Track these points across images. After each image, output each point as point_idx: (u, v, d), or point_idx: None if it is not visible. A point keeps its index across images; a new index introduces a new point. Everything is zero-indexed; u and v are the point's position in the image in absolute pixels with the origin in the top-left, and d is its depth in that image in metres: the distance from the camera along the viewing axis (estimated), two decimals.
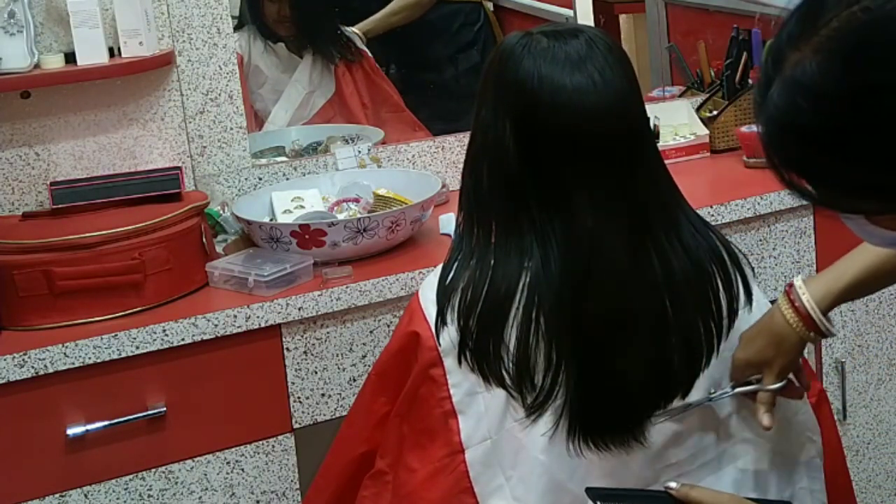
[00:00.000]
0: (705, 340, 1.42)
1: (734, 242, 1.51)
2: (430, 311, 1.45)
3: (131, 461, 1.85)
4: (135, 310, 1.88)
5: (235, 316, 1.87)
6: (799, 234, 2.29)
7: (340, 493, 1.58)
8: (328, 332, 1.95)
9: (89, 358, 1.79)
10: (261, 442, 1.93)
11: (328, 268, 1.96)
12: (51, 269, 1.84)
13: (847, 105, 0.87)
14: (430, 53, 2.96)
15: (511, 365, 1.39)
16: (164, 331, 1.83)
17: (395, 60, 2.85)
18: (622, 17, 3.06)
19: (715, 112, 2.61)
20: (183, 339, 1.84)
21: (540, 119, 1.36)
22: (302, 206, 2.16)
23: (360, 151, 2.39)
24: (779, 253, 2.28)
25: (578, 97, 1.35)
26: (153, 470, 1.87)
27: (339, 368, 1.96)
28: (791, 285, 1.41)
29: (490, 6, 2.99)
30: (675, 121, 2.63)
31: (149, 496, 1.86)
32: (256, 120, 2.62)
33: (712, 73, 2.77)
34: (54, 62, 2.06)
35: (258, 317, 1.88)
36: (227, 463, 1.91)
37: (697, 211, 1.48)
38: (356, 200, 2.19)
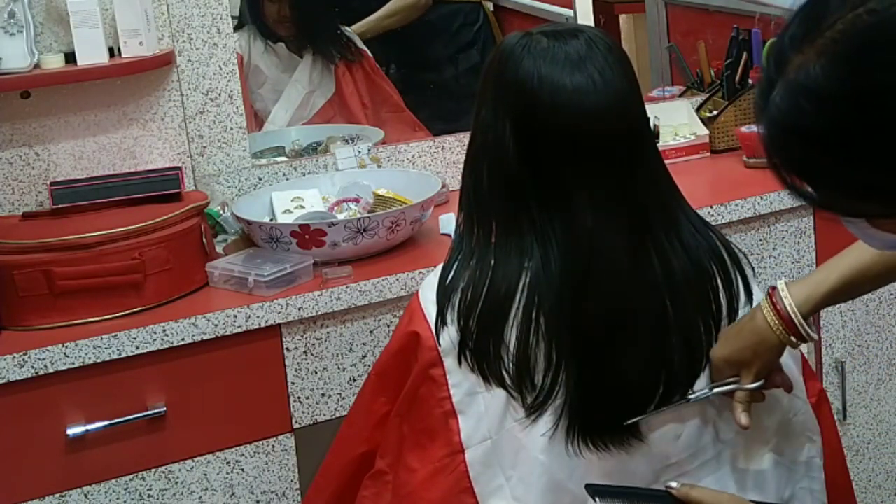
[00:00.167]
0: (705, 340, 1.42)
1: (734, 242, 1.51)
2: (430, 311, 1.45)
3: (131, 461, 1.85)
4: (135, 310, 1.88)
5: (235, 316, 1.87)
6: (799, 234, 2.29)
7: (340, 493, 1.58)
8: (328, 332, 1.95)
9: (89, 358, 1.79)
10: (261, 442, 1.93)
11: (328, 268, 1.96)
12: (51, 269, 1.84)
13: (852, 108, 0.87)
14: (430, 53, 2.96)
15: (511, 365, 1.39)
16: (164, 331, 1.83)
17: (394, 60, 2.85)
18: (622, 17, 3.06)
19: (715, 112, 2.61)
20: (183, 339, 1.84)
21: (540, 119, 1.36)
22: (302, 206, 2.16)
23: (360, 151, 2.39)
24: (779, 253, 2.28)
25: (578, 97, 1.35)
26: (153, 470, 1.87)
27: (339, 368, 1.96)
28: (774, 288, 1.40)
29: (490, 6, 2.99)
30: (675, 121, 2.63)
31: (149, 496, 1.86)
32: (256, 120, 2.62)
33: (712, 73, 2.77)
34: (54, 62, 2.06)
35: (258, 317, 1.88)
36: (227, 463, 1.91)
37: (697, 211, 1.48)
38: (356, 200, 2.19)
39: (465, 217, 1.44)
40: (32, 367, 1.76)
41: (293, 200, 2.18)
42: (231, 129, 2.29)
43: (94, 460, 1.83)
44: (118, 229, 1.88)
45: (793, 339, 1.38)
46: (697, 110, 2.66)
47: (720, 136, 2.59)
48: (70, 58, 2.08)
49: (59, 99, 2.13)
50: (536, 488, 1.41)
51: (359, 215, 2.09)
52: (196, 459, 1.89)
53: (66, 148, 2.15)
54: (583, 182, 1.36)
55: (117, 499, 1.85)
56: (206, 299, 1.93)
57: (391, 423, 1.51)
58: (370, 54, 2.72)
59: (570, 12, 2.67)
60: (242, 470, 1.92)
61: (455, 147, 2.47)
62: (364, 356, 1.97)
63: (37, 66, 2.05)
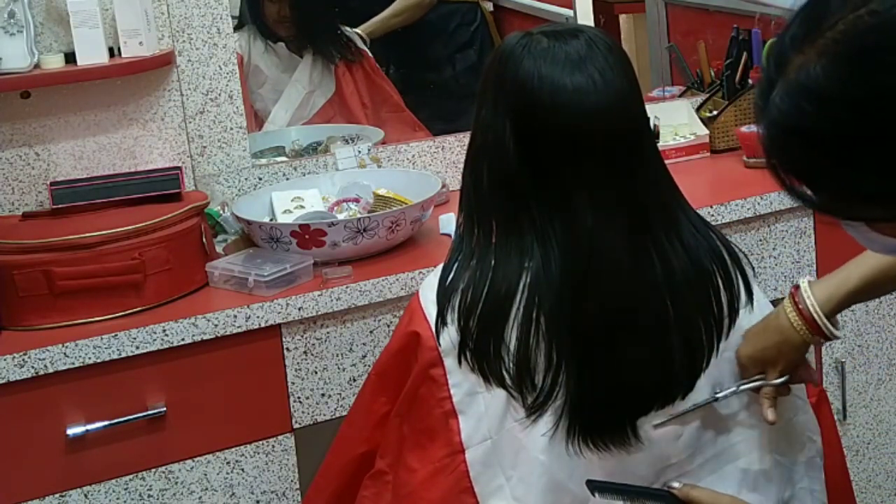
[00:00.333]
0: (706, 340, 1.42)
1: (734, 242, 1.51)
2: (431, 311, 1.45)
3: (131, 461, 1.85)
4: (135, 310, 1.88)
5: (235, 316, 1.87)
6: (799, 234, 2.29)
7: (340, 493, 1.58)
8: (328, 332, 1.95)
9: (89, 358, 1.79)
10: (261, 442, 1.93)
11: (328, 268, 1.96)
12: (51, 269, 1.84)
13: (852, 110, 0.86)
14: (428, 53, 2.96)
15: (511, 365, 1.39)
16: (164, 331, 1.83)
17: (393, 60, 2.85)
18: (622, 17, 3.06)
19: (715, 112, 2.61)
20: (183, 339, 1.84)
21: (540, 119, 1.36)
22: (302, 206, 2.16)
23: (360, 151, 2.39)
24: (779, 253, 2.28)
25: (578, 97, 1.35)
26: (153, 470, 1.87)
27: (339, 368, 1.96)
28: (797, 287, 1.42)
29: (488, 6, 2.99)
30: (675, 121, 2.63)
31: (149, 496, 1.86)
32: (256, 120, 2.62)
33: (712, 73, 2.77)
34: (54, 62, 2.06)
35: (258, 317, 1.88)
36: (227, 463, 1.91)
37: (697, 211, 1.48)
38: (356, 200, 2.19)
39: (465, 217, 1.44)
40: (32, 367, 1.76)
41: (293, 200, 2.18)
42: (231, 129, 2.29)
43: (94, 460, 1.83)
44: (118, 229, 1.88)
45: (816, 338, 1.41)
46: (697, 110, 2.66)
47: (720, 136, 2.59)
48: (70, 58, 2.08)
49: (59, 99, 2.13)
50: (537, 488, 1.41)
51: (359, 215, 2.09)
52: (196, 459, 1.89)
53: (66, 148, 2.15)
54: (583, 182, 1.36)
55: (117, 499, 1.85)
56: (206, 299, 1.93)
57: (391, 423, 1.51)
58: (370, 54, 2.72)
59: (570, 12, 2.67)
60: (242, 470, 1.92)
61: (455, 147, 2.47)
62: (364, 356, 1.97)
63: (37, 66, 2.05)
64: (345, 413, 1.81)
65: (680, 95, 2.81)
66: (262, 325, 1.89)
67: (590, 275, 1.36)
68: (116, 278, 1.87)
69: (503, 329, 1.38)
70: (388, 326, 1.96)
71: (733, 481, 1.47)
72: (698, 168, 2.52)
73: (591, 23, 2.63)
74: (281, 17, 2.67)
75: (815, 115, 0.88)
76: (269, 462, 1.94)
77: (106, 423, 1.82)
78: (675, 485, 1.36)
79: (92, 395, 1.81)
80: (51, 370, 1.77)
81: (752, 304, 1.47)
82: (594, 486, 1.36)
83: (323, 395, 1.96)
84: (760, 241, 2.26)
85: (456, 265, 1.44)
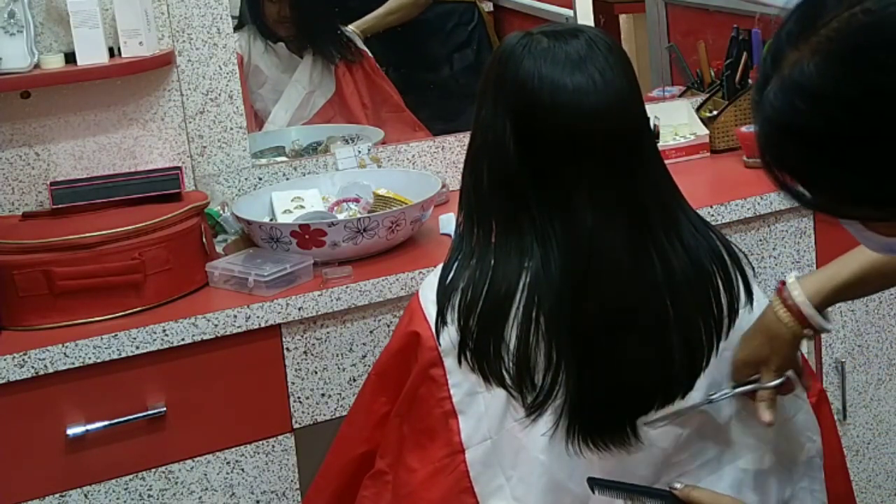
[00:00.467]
0: (706, 340, 1.42)
1: (734, 242, 1.51)
2: (431, 310, 1.45)
3: (131, 461, 1.85)
4: (135, 310, 1.88)
5: (235, 316, 1.87)
6: (799, 234, 2.29)
7: (340, 493, 1.58)
8: (328, 332, 1.95)
9: (89, 358, 1.79)
10: (261, 442, 1.93)
11: (328, 268, 1.96)
12: (51, 269, 1.84)
13: (845, 109, 0.86)
14: (425, 53, 2.96)
15: (511, 365, 1.39)
16: (164, 331, 1.83)
17: (391, 60, 2.85)
18: (622, 17, 3.06)
19: (715, 112, 2.61)
20: (183, 339, 1.84)
21: (540, 119, 1.36)
22: (302, 206, 2.16)
23: (360, 151, 2.39)
24: (779, 253, 2.28)
25: (579, 97, 1.35)
26: (153, 470, 1.87)
27: (339, 368, 1.96)
28: (784, 283, 1.42)
29: (487, 6, 2.99)
30: (675, 121, 2.63)
31: (149, 496, 1.86)
32: (256, 120, 2.62)
33: (712, 73, 2.77)
34: (54, 62, 2.06)
35: (258, 317, 1.88)
36: (227, 463, 1.91)
37: (697, 211, 1.48)
38: (356, 200, 2.19)
39: (465, 217, 1.44)
40: (32, 367, 1.76)
41: (293, 200, 2.18)
42: (231, 129, 2.29)
43: (94, 460, 1.83)
44: (118, 229, 1.88)
45: (805, 330, 1.40)
46: (697, 110, 2.66)
47: (720, 136, 2.60)
48: (70, 58, 2.08)
49: (59, 99, 2.13)
50: (537, 488, 1.41)
51: (359, 215, 2.09)
52: (196, 459, 1.89)
53: (66, 148, 2.15)
54: (583, 182, 1.36)
55: (117, 499, 1.85)
56: (206, 299, 1.93)
57: (391, 423, 1.51)
58: (370, 54, 2.72)
59: (570, 12, 2.67)
60: (242, 470, 1.92)
61: (455, 147, 2.47)
62: (364, 356, 1.97)
63: (37, 66, 2.05)
64: (345, 413, 1.81)
65: (680, 95, 2.81)
66: (262, 325, 1.89)
67: (590, 274, 1.36)
68: (116, 278, 1.87)
69: (503, 328, 1.38)
70: (388, 326, 1.96)
71: (733, 481, 1.47)
72: (698, 168, 2.52)
73: (591, 23, 2.63)
74: (281, 18, 2.67)
75: (807, 113, 0.88)
76: (269, 462, 1.94)
77: (106, 423, 1.82)
78: (677, 485, 1.36)
79: (92, 395, 1.81)
80: (51, 370, 1.77)
81: (751, 304, 1.47)
82: (595, 483, 1.36)
83: (323, 395, 1.96)
84: (760, 241, 2.26)
85: (456, 265, 1.44)
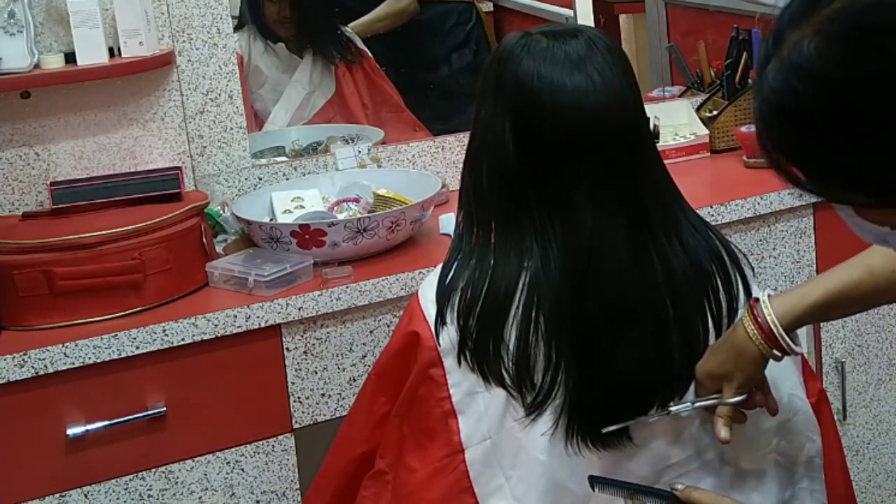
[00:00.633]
0: (705, 340, 1.42)
1: (734, 242, 1.51)
2: (430, 310, 1.45)
3: (131, 461, 1.85)
4: (135, 310, 1.88)
5: (235, 316, 1.87)
6: (799, 234, 2.29)
7: (340, 493, 1.58)
8: (328, 332, 1.95)
9: (89, 358, 1.79)
10: (261, 442, 1.93)
11: (328, 268, 1.96)
12: (51, 269, 1.84)
13: (843, 91, 0.85)
14: (424, 53, 2.97)
15: (511, 364, 1.39)
16: (164, 331, 1.83)
17: (390, 60, 2.85)
18: (622, 17, 3.06)
19: (715, 112, 2.61)
20: (183, 339, 1.84)
21: (539, 119, 1.36)
22: (302, 206, 2.16)
23: (360, 151, 2.39)
24: (779, 253, 2.28)
25: (578, 97, 1.35)
26: (153, 470, 1.87)
27: (339, 368, 1.96)
28: (756, 300, 1.37)
29: (486, 6, 2.99)
30: (675, 121, 2.63)
31: (149, 496, 1.86)
32: (256, 120, 2.62)
33: (712, 73, 2.77)
34: (54, 62, 2.06)
35: (258, 317, 1.88)
36: (227, 463, 1.91)
37: (697, 211, 1.48)
38: (356, 200, 2.19)
39: (465, 217, 1.44)
40: (32, 367, 1.76)
41: (293, 200, 2.18)
42: (231, 129, 2.29)
43: (94, 460, 1.83)
44: (118, 229, 1.88)
45: (775, 351, 1.35)
46: (697, 110, 2.66)
47: (720, 136, 2.60)
48: (70, 58, 2.08)
49: (59, 99, 2.13)
50: (536, 488, 1.41)
51: (359, 215, 2.09)
52: (196, 459, 1.89)
53: (66, 148, 2.15)
54: (582, 182, 1.36)
55: (117, 499, 1.85)
56: (206, 299, 1.93)
57: (391, 423, 1.51)
58: (370, 54, 2.72)
59: (570, 12, 2.67)
60: (242, 470, 1.92)
61: (455, 147, 2.47)
62: (364, 356, 1.97)
63: (37, 66, 2.05)
64: (345, 413, 1.81)
65: (680, 95, 2.81)
66: (262, 325, 1.89)
67: (589, 274, 1.36)
68: (116, 278, 1.87)
69: (502, 328, 1.38)
70: (388, 326, 1.97)
71: (733, 482, 1.47)
72: (698, 168, 2.52)
73: (591, 23, 2.63)
74: (281, 18, 2.67)
75: (804, 94, 0.87)
76: (269, 462, 1.94)
77: (106, 423, 1.82)
78: (679, 486, 1.36)
79: (92, 395, 1.81)
80: (51, 370, 1.77)
81: None
82: (595, 481, 1.36)
83: (323, 395, 1.96)
84: (760, 241, 2.26)
85: (455, 265, 1.44)
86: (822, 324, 2.32)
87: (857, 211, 0.95)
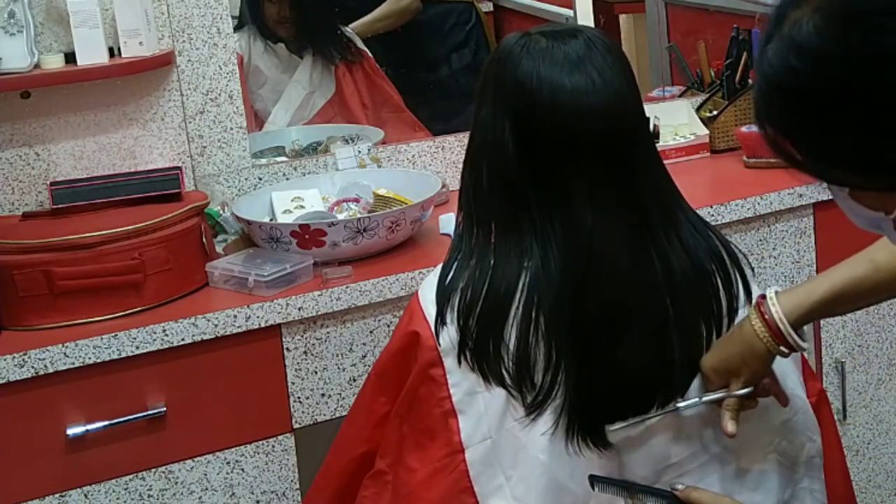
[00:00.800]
0: (705, 340, 1.42)
1: (734, 242, 1.51)
2: (430, 310, 1.45)
3: (131, 461, 1.85)
4: (135, 310, 1.88)
5: (235, 316, 1.87)
6: (799, 234, 2.29)
7: (340, 493, 1.58)
8: (328, 332, 1.95)
9: (89, 358, 1.79)
10: (261, 442, 1.93)
11: (328, 268, 1.96)
12: (51, 269, 1.84)
13: (841, 70, 0.85)
14: (424, 53, 2.97)
15: (511, 364, 1.39)
16: (164, 331, 1.83)
17: (390, 61, 2.85)
18: (622, 17, 3.06)
19: (715, 112, 2.61)
20: (183, 339, 1.84)
21: (539, 119, 1.36)
22: (302, 206, 2.16)
23: (360, 151, 2.39)
24: (779, 253, 2.28)
25: (577, 97, 1.35)
26: (153, 470, 1.87)
27: (339, 368, 1.96)
28: (763, 297, 1.37)
29: (486, 6, 2.99)
30: (675, 121, 2.63)
31: (149, 496, 1.86)
32: (256, 120, 2.62)
33: (712, 73, 2.77)
34: (54, 62, 2.06)
35: (258, 317, 1.88)
36: (227, 463, 1.91)
37: (697, 211, 1.48)
38: (356, 200, 2.19)
39: (465, 217, 1.44)
40: (32, 367, 1.76)
41: (293, 200, 2.18)
42: (231, 129, 2.29)
43: (94, 460, 1.83)
44: (118, 229, 1.88)
45: (782, 348, 1.36)
46: (697, 110, 2.66)
47: (720, 136, 2.60)
48: (70, 58, 2.08)
49: (59, 99, 2.13)
50: (537, 488, 1.41)
51: (359, 215, 2.09)
52: (196, 459, 1.89)
53: (66, 148, 2.15)
54: (582, 182, 1.36)
55: (117, 499, 1.85)
56: (206, 299, 1.93)
57: (391, 422, 1.51)
58: (370, 55, 2.72)
59: (570, 12, 2.67)
60: (242, 470, 1.92)
61: (455, 147, 2.47)
62: (364, 356, 1.97)
63: (37, 66, 2.05)
64: (345, 413, 1.82)
65: (680, 95, 2.81)
66: (262, 325, 1.89)
67: (589, 274, 1.36)
68: (116, 278, 1.87)
69: (502, 328, 1.38)
70: (388, 326, 1.97)
71: (733, 482, 1.47)
72: (698, 168, 2.52)
73: (591, 23, 2.63)
74: (281, 18, 2.67)
75: (802, 72, 0.87)
76: (269, 462, 1.94)
77: (106, 423, 1.82)
78: (679, 486, 1.36)
79: (92, 395, 1.81)
80: (51, 370, 1.77)
81: (750, 304, 1.47)
82: (595, 480, 1.36)
83: (323, 395, 1.96)
84: (760, 241, 2.26)
85: (455, 265, 1.44)
86: (822, 324, 2.32)
87: (852, 194, 0.95)
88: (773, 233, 2.27)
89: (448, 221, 2.12)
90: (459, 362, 1.42)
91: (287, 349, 1.92)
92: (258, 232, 2.03)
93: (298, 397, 1.94)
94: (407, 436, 1.49)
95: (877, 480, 2.46)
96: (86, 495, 1.83)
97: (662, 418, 1.41)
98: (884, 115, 0.85)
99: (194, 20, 2.23)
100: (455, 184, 2.33)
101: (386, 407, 1.52)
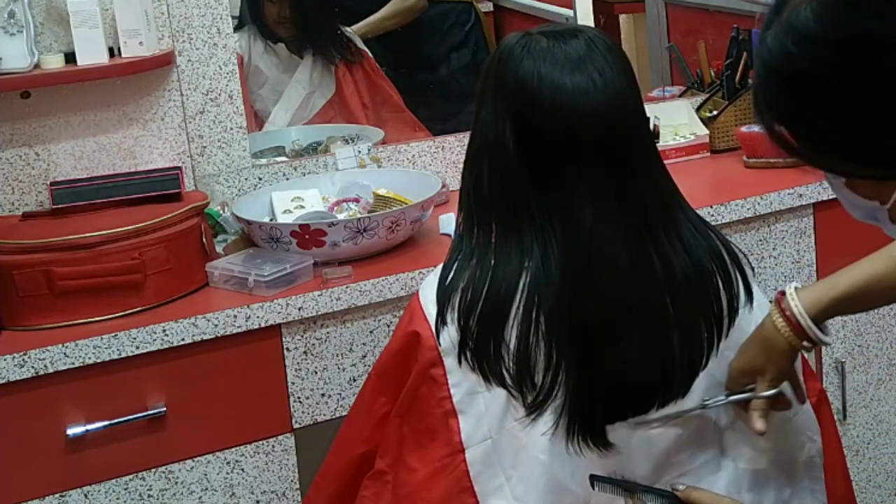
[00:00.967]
0: (706, 339, 1.42)
1: (734, 242, 1.51)
2: (431, 310, 1.45)
3: (131, 461, 1.85)
4: (135, 310, 1.88)
5: (235, 316, 1.87)
6: (799, 234, 2.29)
7: (340, 493, 1.58)
8: (328, 332, 1.95)
9: (89, 358, 1.79)
10: (261, 442, 1.93)
11: (328, 268, 1.96)
12: (51, 269, 1.84)
13: (836, 55, 0.86)
14: (423, 53, 2.97)
15: (511, 364, 1.39)
16: (164, 331, 1.83)
17: (389, 60, 2.85)
18: (622, 17, 3.06)
19: (715, 112, 2.61)
20: (183, 339, 1.84)
21: (539, 119, 1.36)
22: (302, 206, 2.16)
23: (360, 151, 2.39)
24: (779, 253, 2.28)
25: (578, 97, 1.35)
26: (153, 470, 1.87)
27: (339, 368, 1.96)
28: (783, 293, 1.39)
29: (485, 7, 3.00)
30: (675, 121, 2.63)
31: (149, 496, 1.86)
32: (256, 120, 2.62)
33: (712, 73, 2.77)
34: (54, 62, 2.06)
35: (258, 317, 1.88)
36: (227, 463, 1.91)
37: (697, 211, 1.48)
38: (356, 200, 2.19)
39: (465, 217, 1.44)
40: (32, 367, 1.76)
41: (293, 200, 2.18)
42: (231, 129, 2.29)
43: (94, 460, 1.83)
44: (118, 229, 1.88)
45: (802, 342, 1.37)
46: (697, 110, 2.66)
47: (720, 136, 2.60)
48: (70, 58, 2.08)
49: (59, 99, 2.13)
50: (537, 488, 1.41)
51: (359, 215, 2.09)
52: (196, 459, 1.89)
53: (66, 148, 2.15)
54: (582, 182, 1.36)
55: (117, 499, 1.85)
56: (206, 299, 1.93)
57: (391, 422, 1.51)
58: (370, 55, 2.72)
59: (570, 12, 2.67)
60: (242, 470, 1.92)
61: (455, 147, 2.47)
62: (364, 356, 1.97)
63: (37, 66, 2.05)
64: (345, 413, 1.82)
65: (680, 95, 2.81)
66: (262, 325, 1.89)
67: (589, 274, 1.36)
68: (116, 278, 1.87)
69: (503, 328, 1.38)
70: (388, 326, 1.97)
71: (733, 481, 1.47)
72: (698, 168, 2.52)
73: (591, 23, 2.63)
74: (281, 18, 2.67)
75: (798, 56, 0.88)
76: (269, 462, 1.94)
77: (106, 423, 1.82)
78: (680, 486, 1.36)
79: (92, 395, 1.81)
80: (51, 370, 1.77)
81: (751, 304, 1.47)
82: (596, 480, 1.37)
83: (323, 395, 1.96)
84: (760, 241, 2.26)
85: (455, 265, 1.44)
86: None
87: (849, 183, 0.95)
88: (773, 233, 2.27)
89: (448, 221, 2.12)
90: (460, 362, 1.42)
91: (287, 349, 1.92)
92: (258, 232, 2.03)
93: (298, 397, 1.94)
94: (407, 436, 1.49)
95: (877, 480, 2.46)
96: (86, 495, 1.83)
97: (662, 419, 1.41)
98: (879, 102, 0.85)
99: (194, 20, 2.23)
100: (455, 184, 2.33)
101: (386, 407, 1.52)
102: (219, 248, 2.11)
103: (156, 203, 2.03)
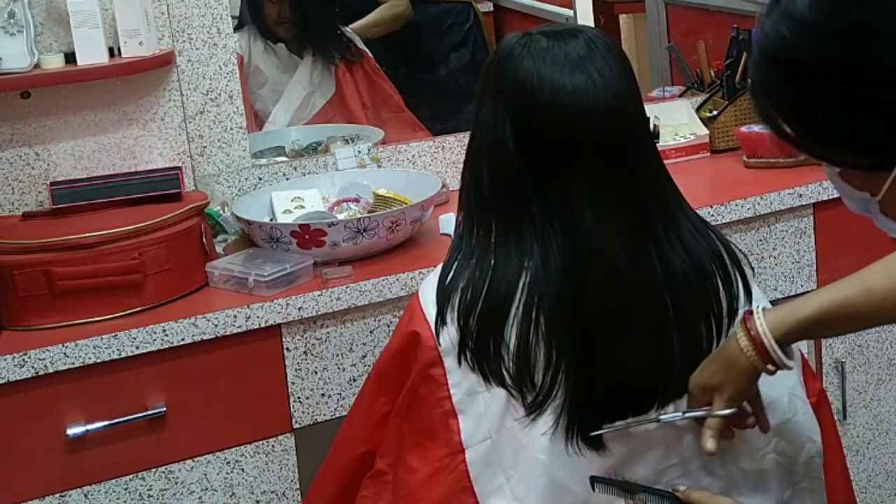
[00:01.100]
0: (706, 340, 1.42)
1: (734, 242, 1.51)
2: (430, 310, 1.45)
3: (131, 461, 1.85)
4: (135, 310, 1.88)
5: (235, 316, 1.87)
6: (799, 234, 2.29)
7: (340, 493, 1.58)
8: (328, 332, 1.95)
9: (89, 358, 1.79)
10: (261, 442, 1.93)
11: (328, 268, 1.96)
12: (51, 269, 1.84)
13: (830, 43, 0.87)
14: (422, 53, 2.97)
15: (511, 364, 1.39)
16: (164, 331, 1.83)
17: (389, 60, 2.85)
18: (622, 17, 3.06)
19: (715, 112, 2.61)
20: (183, 339, 1.84)
21: (539, 119, 1.36)
22: (302, 206, 2.16)
23: (360, 151, 2.39)
24: (779, 253, 2.28)
25: (578, 97, 1.35)
26: (153, 470, 1.87)
27: (339, 368, 1.96)
28: (751, 312, 1.35)
29: (485, 7, 3.00)
30: (675, 121, 2.63)
31: (149, 496, 1.86)
32: (256, 120, 2.62)
33: (712, 73, 2.77)
34: (54, 62, 2.06)
35: (258, 317, 1.88)
36: (227, 463, 1.91)
37: (697, 211, 1.48)
38: (356, 200, 2.19)
39: (465, 217, 1.44)
40: (32, 367, 1.76)
41: (293, 200, 2.18)
42: (231, 129, 2.29)
43: (94, 460, 1.83)
44: (118, 229, 1.89)
45: (768, 366, 1.34)
46: (697, 110, 2.66)
47: (720, 136, 2.60)
48: (70, 58, 2.08)
49: (59, 99, 2.13)
50: (537, 488, 1.41)
51: (359, 215, 2.09)
52: (196, 459, 1.89)
53: (66, 148, 2.15)
54: (582, 182, 1.36)
55: (117, 499, 1.85)
56: (206, 299, 1.93)
57: (391, 422, 1.51)
58: (370, 55, 2.72)
59: (570, 12, 2.67)
60: (242, 470, 1.92)
61: (455, 147, 2.47)
62: (364, 356, 1.97)
63: (37, 66, 2.05)
64: (345, 413, 1.82)
65: (680, 95, 2.81)
66: (262, 325, 1.89)
67: (589, 274, 1.36)
68: (116, 278, 1.87)
69: (503, 328, 1.38)
70: (388, 326, 1.97)
71: (733, 482, 1.47)
72: (698, 168, 2.52)
73: (591, 23, 2.63)
74: (281, 18, 2.67)
75: (794, 44, 0.89)
76: (269, 462, 1.94)
77: (106, 423, 1.82)
78: (681, 487, 1.36)
79: (92, 395, 1.81)
80: (51, 370, 1.77)
81: (751, 304, 1.47)
82: (596, 481, 1.36)
83: (323, 395, 1.96)
84: (760, 241, 2.26)
85: (455, 265, 1.44)
86: None
87: (842, 174, 0.96)
88: (773, 233, 2.27)
89: (448, 221, 2.12)
90: (460, 362, 1.42)
91: (287, 349, 1.92)
92: (258, 232, 2.03)
93: (298, 397, 1.94)
94: (407, 436, 1.49)
95: (877, 480, 2.46)
96: (86, 495, 1.83)
97: (610, 430, 1.40)
98: (872, 92, 0.86)
99: (194, 20, 2.23)
100: (455, 184, 2.33)
101: (386, 407, 1.52)
102: (219, 248, 2.11)
103: (156, 203, 2.03)
